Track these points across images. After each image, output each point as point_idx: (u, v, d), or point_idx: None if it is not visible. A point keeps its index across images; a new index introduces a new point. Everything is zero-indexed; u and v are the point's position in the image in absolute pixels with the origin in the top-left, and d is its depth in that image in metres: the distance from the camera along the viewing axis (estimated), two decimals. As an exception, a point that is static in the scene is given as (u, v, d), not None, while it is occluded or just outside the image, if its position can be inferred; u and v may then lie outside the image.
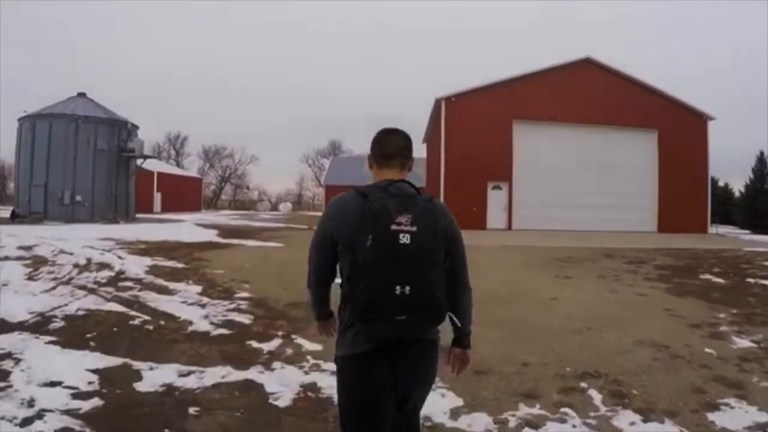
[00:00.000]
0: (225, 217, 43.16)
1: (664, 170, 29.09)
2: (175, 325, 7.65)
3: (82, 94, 36.00)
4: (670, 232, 27.39)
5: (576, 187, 28.09)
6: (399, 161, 2.91)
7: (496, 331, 7.45)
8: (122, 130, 35.54)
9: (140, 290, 10.16)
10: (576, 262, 15.52)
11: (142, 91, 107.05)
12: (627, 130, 28.94)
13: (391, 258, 2.44)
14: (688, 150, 29.19)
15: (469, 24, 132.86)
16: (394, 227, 2.47)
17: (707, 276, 13.43)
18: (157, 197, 54.81)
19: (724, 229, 33.51)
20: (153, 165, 54.51)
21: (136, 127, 37.01)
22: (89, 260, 13.87)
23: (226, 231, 25.61)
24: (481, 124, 27.52)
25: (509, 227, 27.85)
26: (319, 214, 44.57)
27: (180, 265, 13.43)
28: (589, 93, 28.55)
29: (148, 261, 13.98)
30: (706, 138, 30.08)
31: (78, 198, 33.06)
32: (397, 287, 2.42)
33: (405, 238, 2.46)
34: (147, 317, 8.04)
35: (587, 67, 29.48)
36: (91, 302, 8.97)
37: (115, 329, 7.39)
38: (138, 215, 38.35)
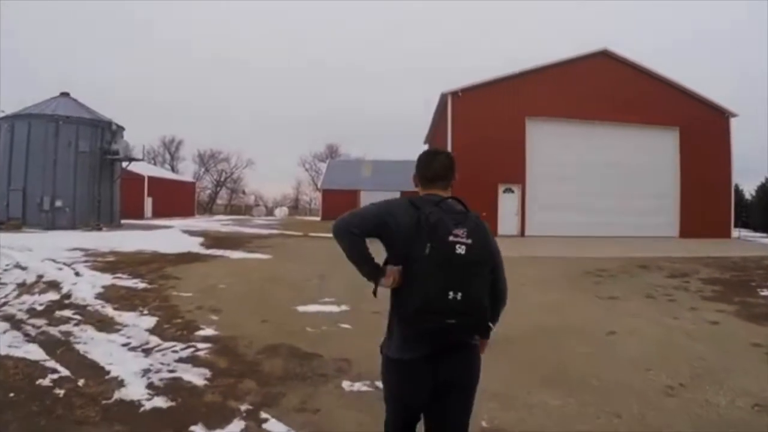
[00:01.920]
0: (217, 223, 41.03)
1: (685, 171, 27.12)
2: (98, 387, 5.33)
3: (65, 94, 34.04)
4: (692, 237, 25.56)
5: (593, 189, 26.02)
6: (442, 184, 3.04)
7: (554, 394, 5.28)
8: (106, 131, 33.46)
9: (77, 324, 7.94)
10: (612, 276, 13.42)
11: (136, 93, 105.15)
12: (647, 127, 26.93)
13: (448, 266, 2.56)
14: (711, 149, 27.25)
15: (474, 15, 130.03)
16: (451, 238, 2.59)
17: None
18: (148, 202, 52.62)
19: (742, 233, 31.58)
20: (143, 168, 52.72)
21: (122, 129, 34.81)
22: (40, 278, 11.89)
23: (212, 239, 23.50)
24: (491, 121, 25.31)
25: (522, 234, 25.65)
26: (317, 219, 43.15)
27: (142, 285, 11.24)
28: (606, 88, 26.45)
29: (107, 279, 11.89)
30: (729, 136, 28.12)
31: (58, 203, 31.18)
32: (450, 293, 2.55)
33: (461, 249, 2.58)
34: (65, 372, 5.76)
35: (604, 60, 27.39)
36: (4, 344, 6.74)
37: (11, 395, 5.12)
38: (126, 221, 36.41)
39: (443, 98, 26.72)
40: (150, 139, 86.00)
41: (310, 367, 6.01)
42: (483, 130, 25.03)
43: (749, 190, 44.89)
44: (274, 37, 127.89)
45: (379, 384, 4.17)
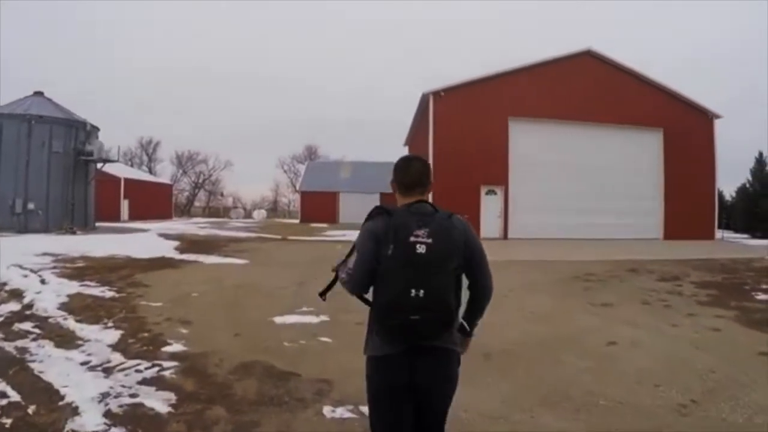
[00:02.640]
0: (194, 226, 40.16)
1: (669, 172, 26.95)
2: (49, 416, 4.70)
3: (38, 93, 32.87)
4: (676, 239, 25.36)
5: (577, 191, 25.72)
6: (419, 190, 3.11)
7: (559, 416, 4.80)
8: (80, 131, 32.39)
9: (36, 338, 7.31)
10: (601, 280, 12.94)
11: (113, 94, 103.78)
12: (631, 128, 26.69)
13: (409, 265, 2.68)
14: (695, 150, 27.18)
15: (455, 15, 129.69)
16: (412, 239, 2.72)
17: (765, 296, 11.10)
18: (125, 205, 51.49)
19: (725, 235, 31.44)
20: (120, 170, 51.77)
21: (97, 129, 33.89)
22: (2, 286, 11.20)
23: (188, 243, 22.80)
24: (474, 121, 24.86)
25: (505, 236, 25.17)
26: (296, 221, 42.63)
27: (109, 294, 10.58)
28: (590, 88, 26.16)
29: (73, 287, 11.19)
30: (713, 137, 28.06)
31: (31, 206, 30.03)
32: (413, 290, 2.65)
33: (421, 248, 2.70)
34: (15, 397, 5.14)
35: (589, 60, 27.10)
36: (-47, 363, 6.13)
37: (-50, 426, 4.54)
38: (101, 224, 35.43)
39: (425, 98, 26.18)
40: (127, 141, 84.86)
41: (287, 389, 5.42)
42: (465, 130, 24.58)
43: (729, 192, 45.00)
44: (249, 40, 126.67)
45: (364, 409, 3.69)
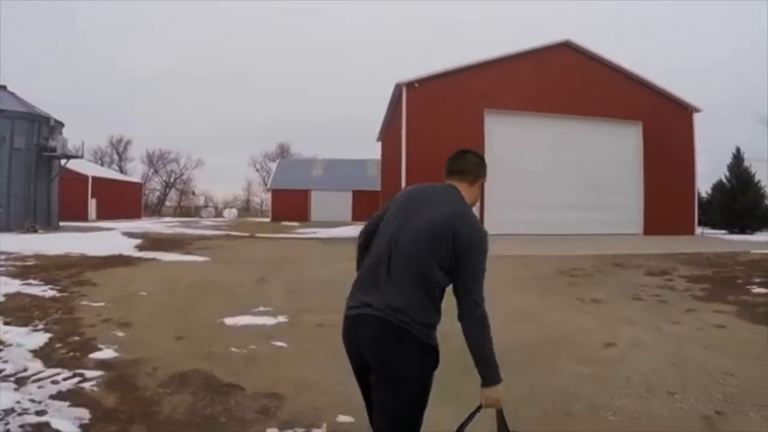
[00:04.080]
0: (163, 225, 38.87)
1: (649, 166, 26.25)
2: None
3: (1, 87, 31.38)
4: (656, 234, 24.74)
5: (555, 185, 24.87)
6: (458, 177, 2.97)
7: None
8: (43, 126, 30.98)
9: (-47, 343, 6.29)
10: (588, 275, 12.14)
11: (83, 92, 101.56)
12: (609, 121, 25.91)
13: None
14: (674, 145, 26.50)
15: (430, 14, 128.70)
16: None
17: (760, 289, 10.29)
18: (92, 204, 49.78)
19: (704, 231, 31.01)
20: (87, 168, 50.32)
21: (61, 124, 32.49)
22: (-63, 286, 10.02)
23: (150, 241, 21.66)
24: (448, 113, 23.78)
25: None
26: (267, 220, 41.47)
27: (51, 293, 9.52)
28: (568, 81, 25.32)
29: (13, 286, 10.11)
30: (692, 132, 27.46)
31: (-9, 204, 28.60)
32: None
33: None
34: None
35: (566, 51, 26.21)
36: None
37: None
38: (67, 224, 34.00)
39: (398, 89, 25.09)
40: (97, 140, 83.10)
41: (226, 406, 4.45)
42: (440, 122, 23.45)
43: (705, 188, 44.71)
44: (224, 40, 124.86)
45: None
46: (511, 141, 24.45)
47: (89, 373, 5.24)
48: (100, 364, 5.54)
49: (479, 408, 2.64)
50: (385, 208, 2.92)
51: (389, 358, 2.54)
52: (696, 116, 27.54)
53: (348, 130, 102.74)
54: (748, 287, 10.57)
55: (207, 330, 7.08)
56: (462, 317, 2.60)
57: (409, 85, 24.11)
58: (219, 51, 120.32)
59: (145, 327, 7.22)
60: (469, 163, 2.98)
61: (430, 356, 2.61)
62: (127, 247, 18.45)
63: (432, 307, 2.60)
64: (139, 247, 18.63)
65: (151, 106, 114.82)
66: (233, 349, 6.15)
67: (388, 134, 32.95)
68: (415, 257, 2.58)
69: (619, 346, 6.33)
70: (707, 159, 35.05)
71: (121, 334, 6.83)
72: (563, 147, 25.23)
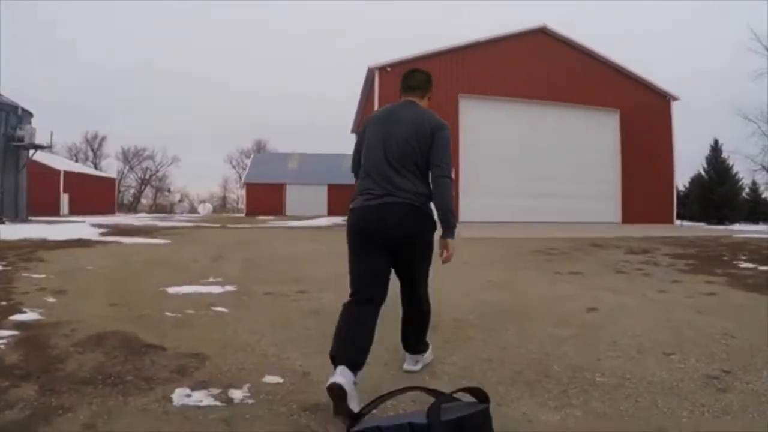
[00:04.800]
0: (136, 219, 37.71)
1: (627, 154, 25.82)
2: None
3: (-34, 75, 30.48)
4: (635, 223, 24.29)
5: (531, 173, 24.25)
6: (418, 93, 3.83)
7: (546, 402, 3.17)
8: (11, 115, 29.97)
9: None
10: (565, 254, 11.49)
11: (59, 89, 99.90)
12: (587, 109, 25.40)
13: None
14: (652, 133, 26.19)
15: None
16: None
17: (749, 264, 9.74)
18: (64, 199, 48.74)
19: (683, 222, 30.84)
20: (59, 163, 49.19)
21: (29, 114, 31.55)
22: None
23: (117, 230, 20.66)
24: (423, 98, 23.00)
25: (457, 220, 23.47)
26: (242, 215, 40.61)
27: (-6, 269, 8.74)
28: (545, 67, 24.79)
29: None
30: (671, 120, 27.08)
31: (-44, 195, 27.66)
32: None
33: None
34: None
35: (542, 37, 25.68)
36: None
37: None
38: (38, 218, 32.62)
39: (370, 74, 24.33)
40: (72, 137, 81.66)
41: (138, 364, 3.77)
42: (413, 108, 22.77)
43: (683, 182, 44.79)
44: (192, 38, 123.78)
45: (236, 394, 3.17)
46: (486, 127, 23.87)
47: (4, 332, 4.58)
48: (18, 326, 4.84)
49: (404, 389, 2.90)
50: (361, 133, 3.76)
51: (418, 229, 3.48)
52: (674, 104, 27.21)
53: (326, 129, 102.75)
54: (734, 263, 10.03)
55: (145, 297, 6.32)
56: (434, 182, 3.50)
57: (382, 69, 23.36)
58: (194, 50, 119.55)
59: (80, 295, 6.49)
60: (420, 80, 3.86)
61: (434, 222, 3.56)
62: (92, 234, 17.55)
63: (426, 183, 3.53)
64: (104, 234, 17.76)
65: (129, 106, 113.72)
66: (167, 314, 5.43)
67: (362, 122, 32.21)
68: (410, 153, 3.48)
69: (602, 311, 5.66)
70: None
71: (51, 300, 6.10)
72: (539, 134, 24.68)
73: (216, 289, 6.88)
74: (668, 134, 26.87)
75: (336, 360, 3.03)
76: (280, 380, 3.49)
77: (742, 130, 53.58)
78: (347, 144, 42.77)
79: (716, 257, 11.01)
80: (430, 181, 3.51)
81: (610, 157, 25.74)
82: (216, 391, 3.25)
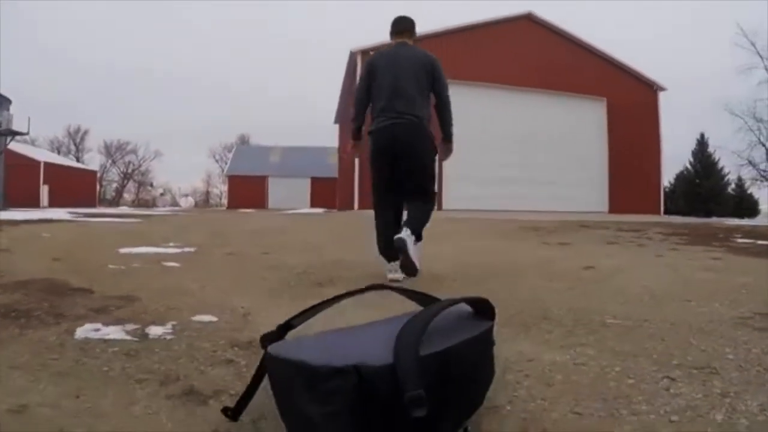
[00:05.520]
0: (117, 211, 36.88)
1: (614, 144, 25.72)
2: None
3: (-58, 61, 29.72)
4: (622, 213, 23.85)
5: (516, 161, 23.95)
6: (408, 34, 4.87)
7: (557, 346, 2.56)
8: (-13, 102, 29.25)
9: None
10: (552, 231, 10.92)
11: (40, 82, 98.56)
12: (573, 97, 25.27)
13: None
14: (640, 123, 26.11)
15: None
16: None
17: (747, 239, 9.40)
18: (44, 190, 47.96)
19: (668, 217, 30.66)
20: (39, 154, 48.30)
21: (8, 101, 30.98)
22: None
23: (91, 214, 20.02)
24: (406, 82, 22.48)
25: (439, 207, 22.94)
26: (223, 209, 40.03)
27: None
28: (531, 54, 24.54)
29: None
30: (658, 110, 27.08)
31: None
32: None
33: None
34: None
35: (529, 24, 25.51)
36: None
37: None
38: (15, 209, 31.49)
39: (352, 58, 23.74)
40: (55, 130, 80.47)
41: (56, 303, 3.19)
42: (396, 93, 22.24)
43: (668, 178, 44.72)
44: (188, 39, 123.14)
45: (155, 331, 2.62)
46: (470, 114, 23.20)
47: None
48: None
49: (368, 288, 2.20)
50: (368, 76, 4.63)
51: (418, 143, 4.44)
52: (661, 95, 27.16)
53: (309, 125, 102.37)
54: (731, 239, 9.56)
55: (92, 255, 5.74)
56: (442, 102, 4.59)
57: (365, 53, 22.64)
58: (178, 47, 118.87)
59: (25, 253, 5.94)
60: (408, 23, 4.86)
61: (433, 141, 4.56)
62: (63, 215, 16.90)
63: (426, 106, 4.54)
64: (75, 215, 17.10)
65: (112, 100, 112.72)
66: (110, 266, 4.84)
67: (344, 110, 31.58)
68: (415, 83, 4.46)
69: (599, 270, 5.03)
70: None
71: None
72: (525, 121, 24.39)
73: (173, 251, 6.28)
74: (656, 124, 26.87)
75: (386, 255, 4.35)
76: (214, 319, 2.94)
77: (728, 127, 54.17)
78: (330, 138, 42.32)
79: (711, 235, 10.63)
80: (432, 103, 4.58)
81: (597, 146, 25.63)
82: (132, 327, 2.67)
